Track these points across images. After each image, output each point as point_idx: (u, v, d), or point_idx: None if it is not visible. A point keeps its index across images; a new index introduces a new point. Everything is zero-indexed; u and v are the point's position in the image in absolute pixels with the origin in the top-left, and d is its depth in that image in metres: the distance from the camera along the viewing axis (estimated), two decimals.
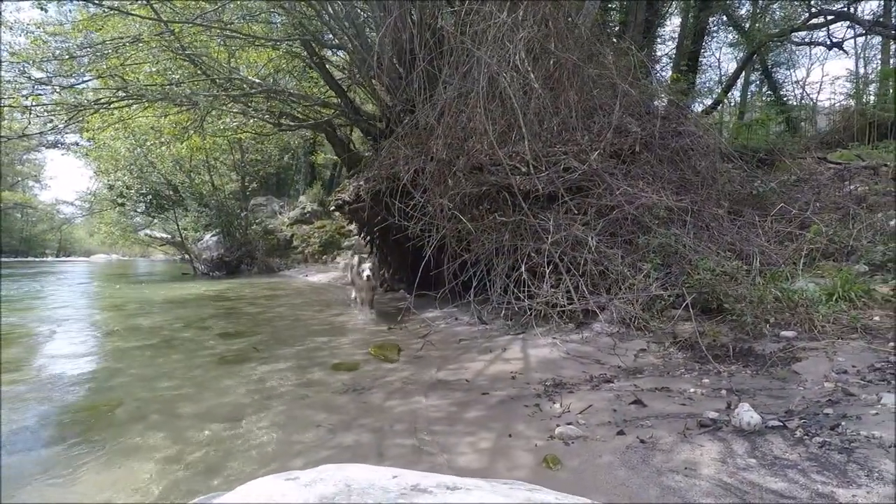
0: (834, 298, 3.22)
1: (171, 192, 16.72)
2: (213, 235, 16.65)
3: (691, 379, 2.59)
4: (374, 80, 6.02)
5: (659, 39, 11.82)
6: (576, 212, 3.91)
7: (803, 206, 4.47)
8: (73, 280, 14.60)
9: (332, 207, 6.28)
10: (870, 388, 2.18)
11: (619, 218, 3.81)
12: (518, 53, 4.30)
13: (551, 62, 4.47)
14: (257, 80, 5.93)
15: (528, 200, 4.03)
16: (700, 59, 10.91)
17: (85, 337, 4.93)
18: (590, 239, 3.63)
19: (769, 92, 13.22)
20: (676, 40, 10.72)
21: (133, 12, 5.64)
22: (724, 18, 13.11)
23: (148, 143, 11.08)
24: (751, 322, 3.00)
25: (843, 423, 1.83)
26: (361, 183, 5.57)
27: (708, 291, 3.22)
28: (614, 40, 5.55)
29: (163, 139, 9.14)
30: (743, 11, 13.56)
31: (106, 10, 6.00)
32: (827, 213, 4.48)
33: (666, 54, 12.28)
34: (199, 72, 6.07)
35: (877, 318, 3.00)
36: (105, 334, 5.05)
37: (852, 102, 10.76)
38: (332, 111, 6.43)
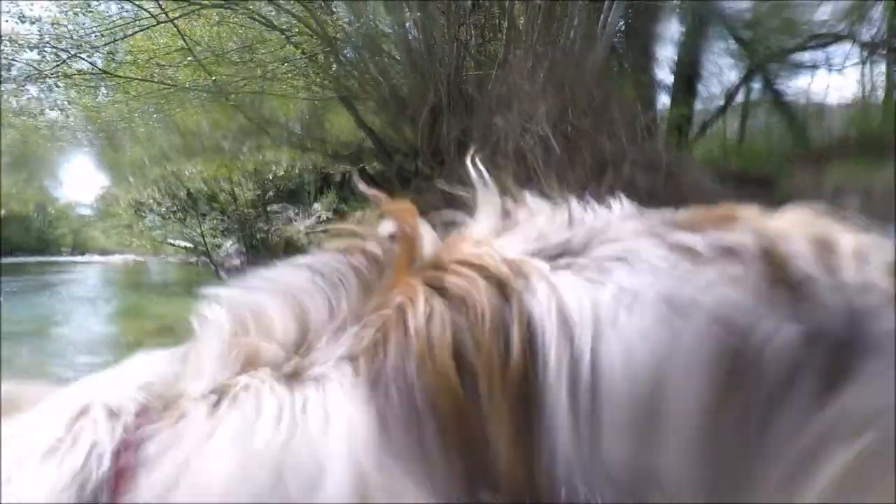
0: None
1: (191, 202, 17.34)
2: (233, 244, 17.24)
3: None
4: (403, 128, 6.60)
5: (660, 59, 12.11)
6: None
7: None
8: (93, 290, 14.46)
9: None
10: None
11: None
12: (540, 124, 4.90)
13: (568, 127, 5.07)
14: (297, 131, 6.53)
15: None
16: (699, 75, 11.25)
17: None
18: None
19: (773, 106, 13.54)
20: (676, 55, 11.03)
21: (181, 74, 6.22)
22: (724, 29, 13.36)
23: (181, 169, 11.68)
24: None
25: None
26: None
27: None
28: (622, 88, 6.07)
29: (198, 168, 9.78)
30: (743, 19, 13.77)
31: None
32: None
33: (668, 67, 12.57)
34: (242, 116, 6.68)
35: None
36: None
37: (854, 117, 11.16)
38: (366, 154, 7.04)
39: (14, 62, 5.36)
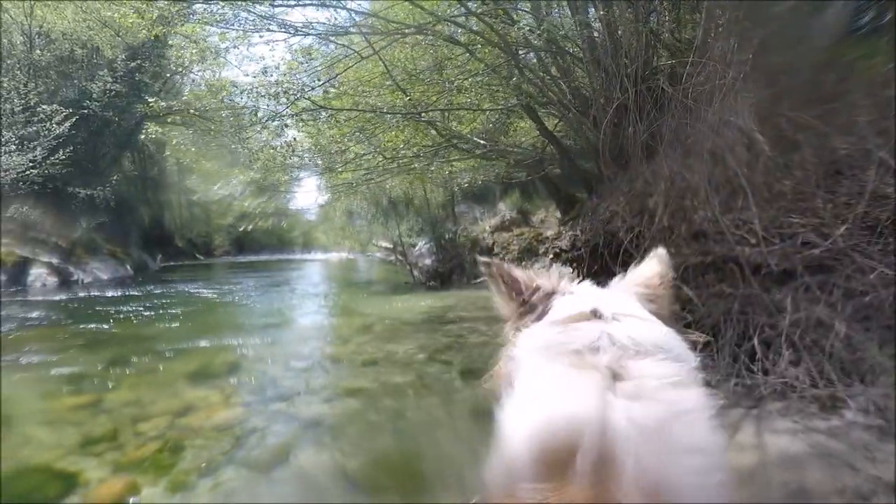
0: None
1: (391, 207, 19.35)
2: (426, 243, 18.77)
3: None
4: (585, 130, 6.35)
5: None
6: (818, 291, 3.72)
7: None
8: (316, 287, 17.41)
9: (551, 256, 6.84)
10: None
11: (875, 303, 3.52)
12: (742, 117, 4.25)
13: (783, 121, 4.28)
14: (482, 141, 6.82)
15: (757, 275, 3.97)
16: None
17: (349, 366, 5.98)
18: (836, 324, 3.47)
19: None
20: None
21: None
22: None
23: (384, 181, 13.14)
24: None
25: None
26: (577, 233, 5.98)
27: None
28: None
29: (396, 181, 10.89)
30: None
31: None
32: None
33: None
34: (434, 133, 7.20)
35: None
36: (365, 364, 6.08)
37: None
38: (548, 161, 6.98)
39: (258, 107, 6.74)
